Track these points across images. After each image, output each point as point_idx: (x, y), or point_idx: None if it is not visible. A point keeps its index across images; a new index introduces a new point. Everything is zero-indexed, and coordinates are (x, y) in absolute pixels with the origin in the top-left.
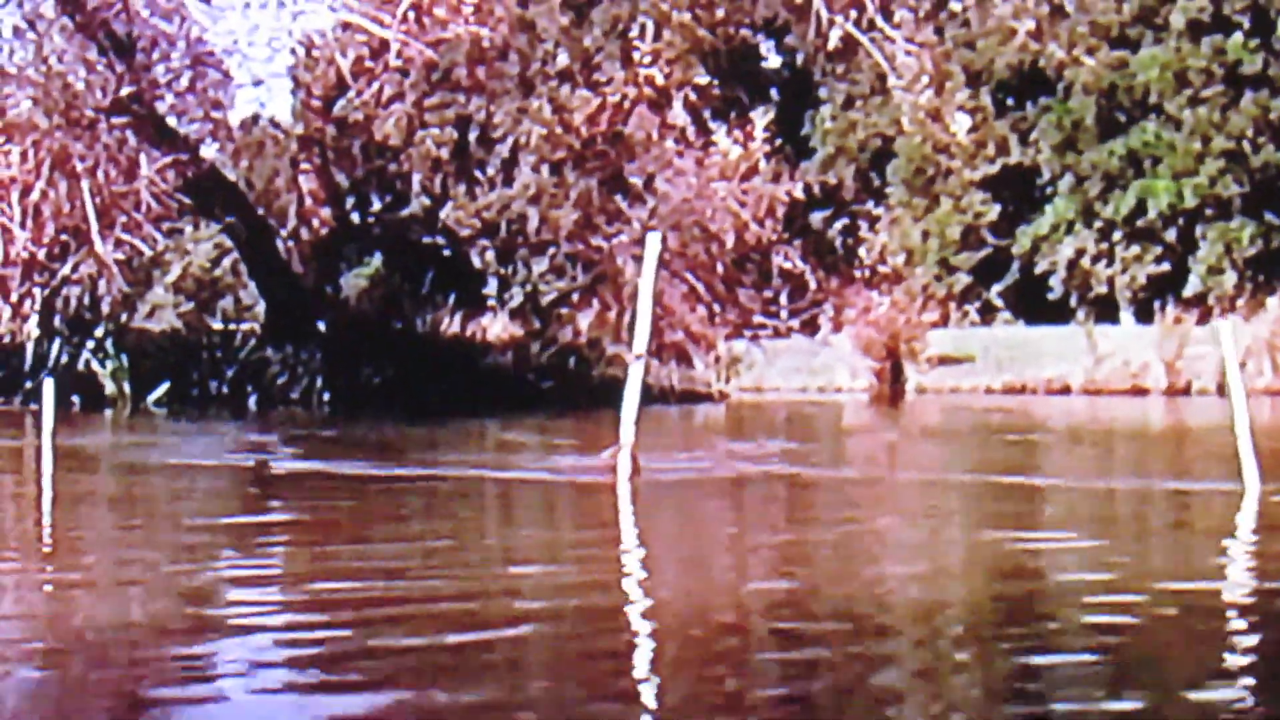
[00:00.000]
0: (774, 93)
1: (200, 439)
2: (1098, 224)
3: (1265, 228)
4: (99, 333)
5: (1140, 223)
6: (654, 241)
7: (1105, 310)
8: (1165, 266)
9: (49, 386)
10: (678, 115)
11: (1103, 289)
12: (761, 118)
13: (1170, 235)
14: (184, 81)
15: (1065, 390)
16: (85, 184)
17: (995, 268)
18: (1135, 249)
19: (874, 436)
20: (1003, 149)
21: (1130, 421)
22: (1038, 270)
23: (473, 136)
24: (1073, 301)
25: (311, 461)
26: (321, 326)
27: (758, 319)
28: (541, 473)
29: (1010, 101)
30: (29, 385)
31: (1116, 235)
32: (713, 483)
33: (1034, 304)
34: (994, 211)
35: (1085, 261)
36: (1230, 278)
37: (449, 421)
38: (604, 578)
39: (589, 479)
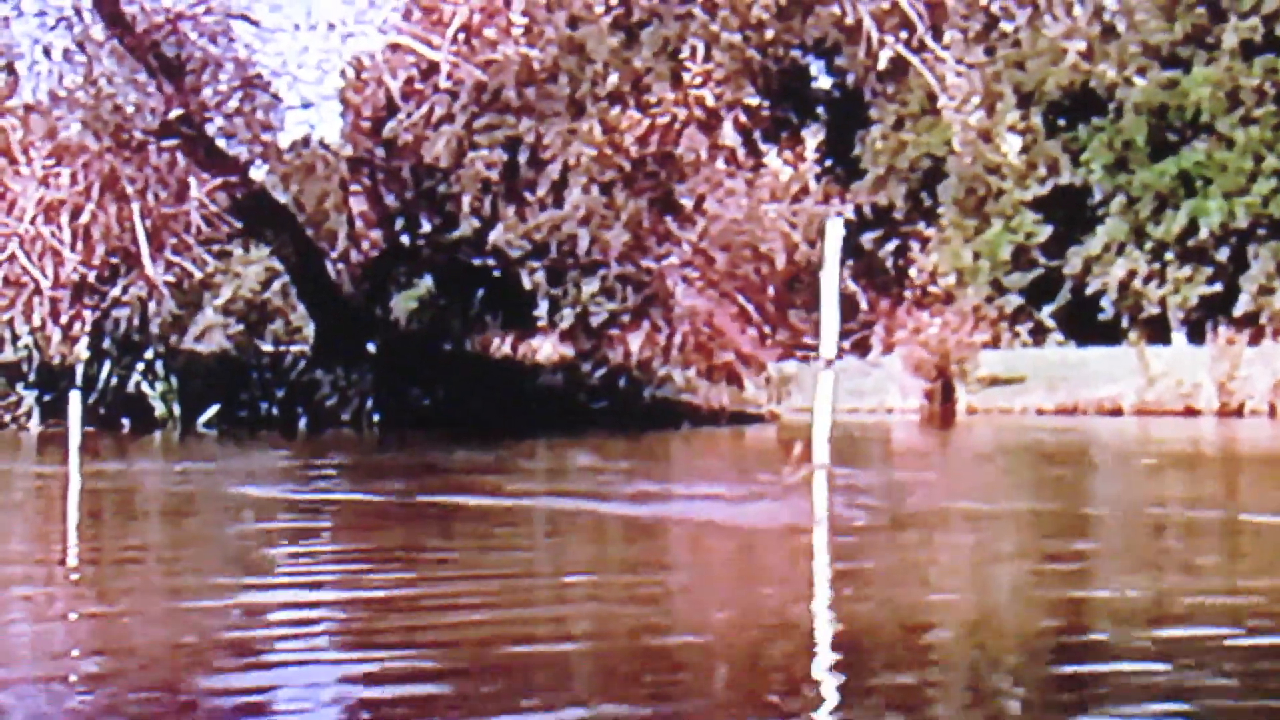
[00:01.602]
0: (824, 113)
1: (248, 462)
2: (1149, 244)
3: None
4: (149, 355)
5: (1192, 243)
6: (836, 229)
7: (1157, 330)
8: (1217, 286)
9: (75, 399)
10: (728, 136)
11: (1154, 309)
12: (812, 138)
13: (1222, 255)
14: (233, 104)
15: (1117, 411)
16: (135, 206)
17: (1047, 288)
18: (1187, 269)
19: (993, 462)
20: (1054, 169)
21: (1245, 444)
22: (1089, 291)
23: (523, 158)
24: (1124, 322)
25: (451, 494)
26: (371, 348)
27: (808, 339)
28: (718, 505)
29: (1061, 122)
30: None
31: (1168, 255)
32: (922, 518)
33: (1085, 324)
34: (1045, 232)
35: (1137, 282)
36: None
37: (522, 444)
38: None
39: (793, 519)
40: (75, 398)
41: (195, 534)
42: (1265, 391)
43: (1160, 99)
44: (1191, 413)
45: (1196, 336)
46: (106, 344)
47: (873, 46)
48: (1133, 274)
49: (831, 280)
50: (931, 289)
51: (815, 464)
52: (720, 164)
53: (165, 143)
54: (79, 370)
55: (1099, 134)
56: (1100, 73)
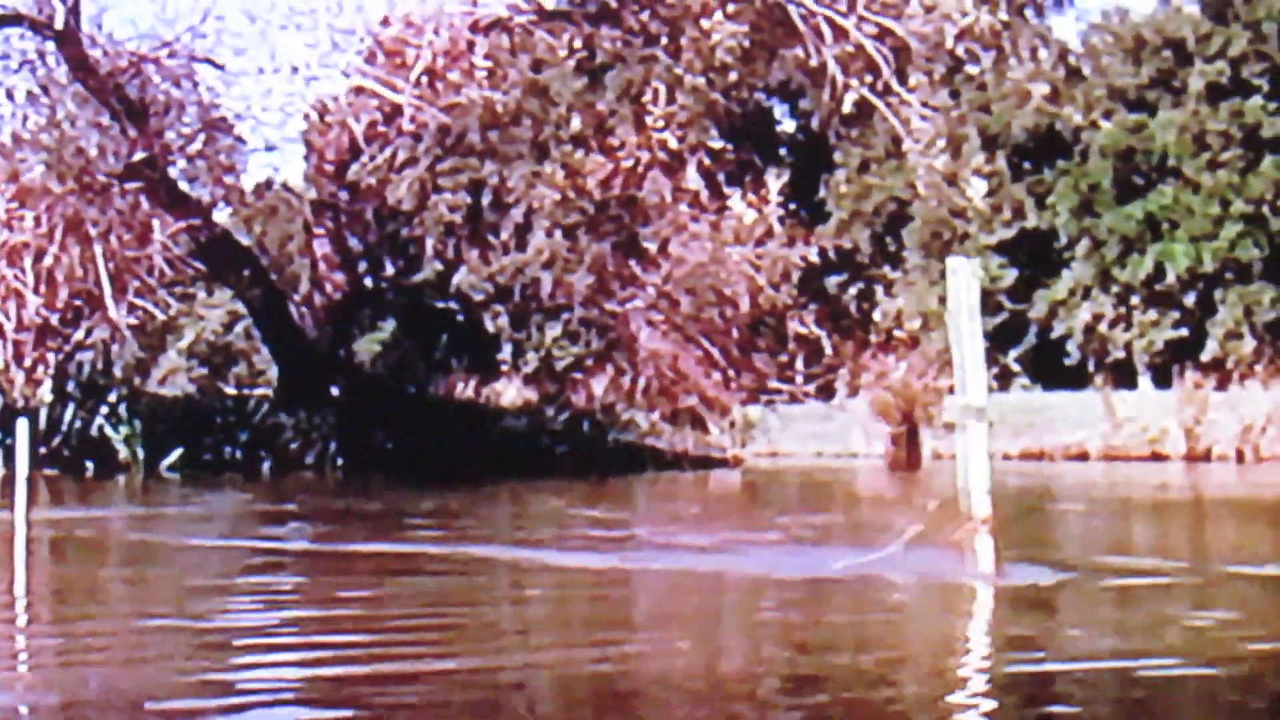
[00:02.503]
0: (788, 156)
1: (195, 508)
2: (1115, 288)
3: None
4: (112, 398)
5: (1158, 287)
6: (964, 266)
7: (1123, 375)
8: (1183, 331)
9: (22, 427)
10: (691, 179)
11: (1120, 354)
12: (776, 181)
13: (1189, 299)
14: (197, 146)
15: (1083, 456)
16: (98, 249)
17: (1012, 332)
18: (1153, 313)
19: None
20: (1019, 213)
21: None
22: (1055, 335)
23: (486, 201)
24: (1090, 366)
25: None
26: (335, 391)
27: (773, 383)
28: (871, 564)
29: (1027, 165)
30: (43, 451)
31: (1134, 299)
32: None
33: (1051, 369)
34: (1010, 276)
35: (1103, 326)
36: (1249, 342)
37: (484, 488)
38: None
39: (951, 578)
40: (22, 426)
41: (118, 580)
42: (1232, 437)
43: (1126, 142)
44: (1158, 458)
45: (1163, 381)
46: (70, 387)
47: (837, 90)
48: (1099, 318)
49: (973, 320)
50: (896, 333)
51: (976, 517)
52: (684, 207)
53: (128, 185)
54: (43, 413)
55: (1064, 177)
56: (1066, 116)
